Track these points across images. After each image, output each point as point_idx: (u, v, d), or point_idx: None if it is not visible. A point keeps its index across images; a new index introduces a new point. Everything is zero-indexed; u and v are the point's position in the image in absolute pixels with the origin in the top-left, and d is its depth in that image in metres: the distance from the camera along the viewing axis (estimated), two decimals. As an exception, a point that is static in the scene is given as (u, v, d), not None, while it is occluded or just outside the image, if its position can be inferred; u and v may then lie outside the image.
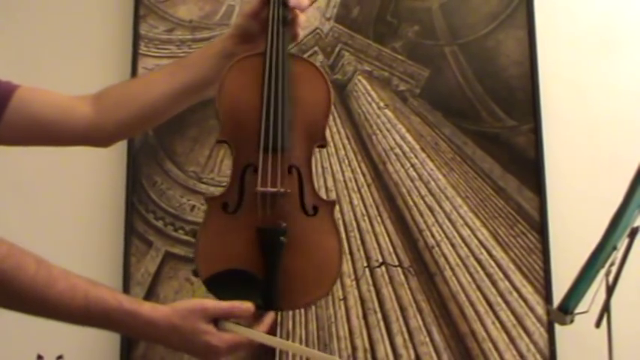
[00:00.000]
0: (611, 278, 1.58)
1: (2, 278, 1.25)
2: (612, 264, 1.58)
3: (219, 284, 1.38)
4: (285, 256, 1.37)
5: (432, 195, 2.47)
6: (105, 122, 1.61)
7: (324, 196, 2.22)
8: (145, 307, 1.32)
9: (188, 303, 1.34)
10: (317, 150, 1.50)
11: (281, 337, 2.45)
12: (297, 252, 1.38)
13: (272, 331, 1.37)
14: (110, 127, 1.61)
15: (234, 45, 1.62)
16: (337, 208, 2.49)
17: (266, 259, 1.37)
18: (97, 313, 1.30)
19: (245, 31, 1.62)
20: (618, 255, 1.58)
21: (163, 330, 1.30)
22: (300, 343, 2.45)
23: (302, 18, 1.62)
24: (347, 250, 2.47)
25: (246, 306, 1.33)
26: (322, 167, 2.52)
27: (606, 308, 1.57)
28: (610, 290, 1.57)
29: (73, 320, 1.32)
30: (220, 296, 1.37)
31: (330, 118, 1.54)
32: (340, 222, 2.48)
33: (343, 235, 2.47)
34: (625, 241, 1.58)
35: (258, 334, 1.33)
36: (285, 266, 1.37)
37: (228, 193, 1.43)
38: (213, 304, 1.33)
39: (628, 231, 1.58)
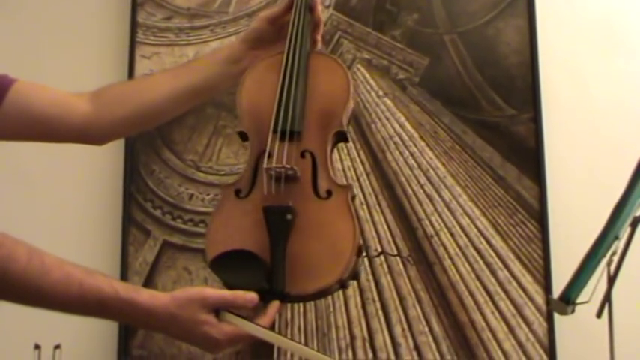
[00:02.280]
0: (612, 268, 1.57)
1: None
2: (614, 253, 1.57)
3: (224, 266, 1.35)
4: (294, 239, 1.34)
5: (431, 184, 2.47)
6: (101, 120, 1.58)
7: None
8: (143, 295, 1.29)
9: (188, 291, 1.31)
10: (335, 139, 1.49)
11: (279, 326, 2.45)
12: (307, 235, 1.35)
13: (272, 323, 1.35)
14: (106, 125, 1.59)
15: (244, 50, 1.62)
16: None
17: (271, 239, 1.34)
18: (92, 302, 1.27)
19: (260, 36, 1.63)
20: (620, 245, 1.57)
21: (162, 319, 1.28)
22: (299, 332, 2.44)
23: (322, 27, 1.63)
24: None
25: (250, 296, 1.30)
26: (321, 156, 2.51)
27: (607, 298, 1.57)
28: (611, 280, 1.57)
29: (69, 310, 1.29)
30: (224, 278, 1.35)
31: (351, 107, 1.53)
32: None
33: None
34: (627, 231, 1.57)
35: (259, 329, 1.29)
36: (294, 249, 1.34)
37: (242, 180, 1.42)
38: (213, 293, 1.30)
39: (630, 220, 1.57)
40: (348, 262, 1.35)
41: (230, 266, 1.34)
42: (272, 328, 1.33)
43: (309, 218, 1.36)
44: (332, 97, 1.47)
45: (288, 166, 1.37)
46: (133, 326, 1.27)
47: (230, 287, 1.33)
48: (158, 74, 1.69)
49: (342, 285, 1.39)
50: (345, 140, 1.55)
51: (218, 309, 1.28)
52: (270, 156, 1.38)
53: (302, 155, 1.40)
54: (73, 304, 1.28)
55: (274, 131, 1.40)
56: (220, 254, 1.34)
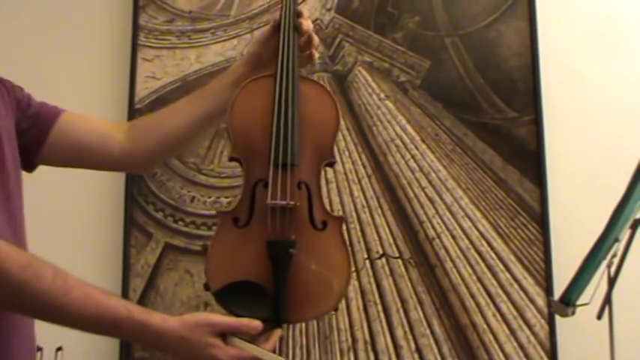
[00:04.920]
0: (613, 270, 1.58)
1: (22, 287, 1.31)
2: (614, 256, 1.57)
3: (229, 297, 1.40)
4: (294, 270, 1.39)
5: (433, 186, 2.47)
6: (135, 150, 1.68)
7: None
8: (155, 317, 1.36)
9: (197, 316, 1.38)
10: (325, 168, 1.53)
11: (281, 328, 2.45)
12: (305, 265, 1.40)
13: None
14: (140, 155, 1.69)
15: (247, 73, 1.66)
16: (337, 200, 2.49)
17: (275, 272, 1.39)
18: (107, 321, 1.34)
19: (258, 58, 1.69)
20: (620, 247, 1.58)
21: (172, 341, 1.34)
22: (300, 335, 2.45)
23: (316, 40, 1.67)
24: (347, 242, 2.47)
25: (255, 324, 1.36)
26: (322, 159, 2.51)
27: (608, 300, 1.57)
28: (612, 282, 1.57)
29: (85, 327, 1.37)
30: (230, 309, 1.39)
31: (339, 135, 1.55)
32: (341, 213, 2.48)
33: (344, 228, 2.47)
34: (627, 233, 1.58)
35: (264, 353, 1.35)
36: (295, 280, 1.39)
37: (239, 208, 1.45)
38: (221, 319, 1.37)
39: (630, 223, 1.57)
40: (344, 291, 1.43)
41: (235, 296, 1.39)
42: (273, 351, 1.39)
43: (307, 249, 1.41)
44: (324, 128, 1.50)
45: (292, 203, 1.40)
46: (144, 347, 1.35)
47: (235, 315, 1.39)
48: (178, 102, 1.76)
49: (335, 309, 1.46)
50: (332, 166, 1.60)
51: (224, 334, 1.34)
52: (269, 187, 1.41)
53: (298, 186, 1.43)
54: (89, 322, 1.35)
55: (275, 165, 1.43)
56: (225, 286, 1.39)
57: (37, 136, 1.62)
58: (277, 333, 1.41)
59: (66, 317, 1.35)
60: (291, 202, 1.41)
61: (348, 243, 1.47)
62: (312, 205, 1.44)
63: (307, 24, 1.65)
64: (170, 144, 1.74)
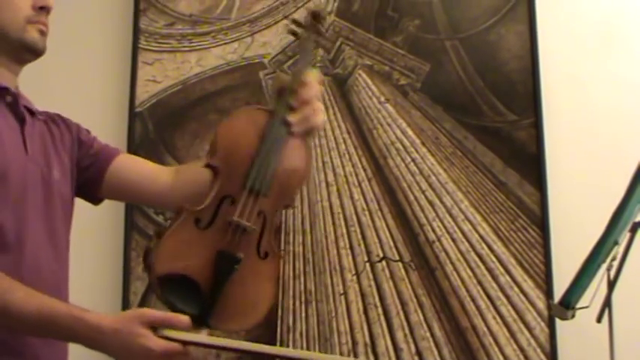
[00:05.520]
0: (612, 273, 1.58)
1: None
2: (614, 259, 1.58)
3: (168, 286, 1.47)
4: (230, 283, 1.49)
5: (433, 189, 2.47)
6: (177, 194, 1.73)
7: (330, 191, 2.24)
8: (92, 313, 1.40)
9: (129, 311, 1.49)
10: (283, 209, 1.68)
11: (281, 332, 2.45)
12: (239, 284, 1.50)
13: None
14: (180, 198, 1.70)
15: None
16: (338, 203, 2.49)
17: (215, 279, 1.49)
18: (46, 317, 1.38)
19: None
20: (620, 250, 1.58)
21: (106, 334, 1.37)
22: (301, 337, 2.45)
23: (317, 106, 1.65)
24: (348, 245, 2.47)
25: (184, 319, 1.40)
26: (322, 162, 2.52)
27: (608, 303, 1.57)
28: (611, 285, 1.57)
29: (27, 326, 1.41)
30: (166, 297, 1.47)
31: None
32: (341, 216, 2.48)
33: (344, 231, 2.48)
34: (626, 236, 1.58)
35: (194, 336, 1.42)
36: (226, 291, 1.49)
37: (204, 212, 1.53)
38: (151, 311, 1.42)
39: (629, 226, 1.58)
40: (262, 319, 1.55)
41: (173, 288, 1.47)
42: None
43: (246, 271, 1.52)
44: (296, 176, 1.63)
45: (249, 224, 1.52)
46: (81, 345, 1.40)
47: (168, 306, 1.48)
48: None
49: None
50: (287, 209, 1.81)
51: (154, 326, 1.39)
52: (238, 207, 1.52)
53: (258, 214, 1.54)
54: (30, 319, 1.38)
55: (246, 188, 1.54)
56: (169, 274, 1.47)
57: (95, 174, 1.73)
58: (202, 334, 1.48)
59: (8, 316, 1.38)
60: (252, 226, 1.52)
61: (279, 279, 1.57)
62: (263, 235, 1.55)
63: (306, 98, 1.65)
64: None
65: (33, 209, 1.53)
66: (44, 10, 1.57)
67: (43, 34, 1.57)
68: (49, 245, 1.56)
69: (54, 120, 1.69)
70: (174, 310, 1.45)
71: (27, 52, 1.57)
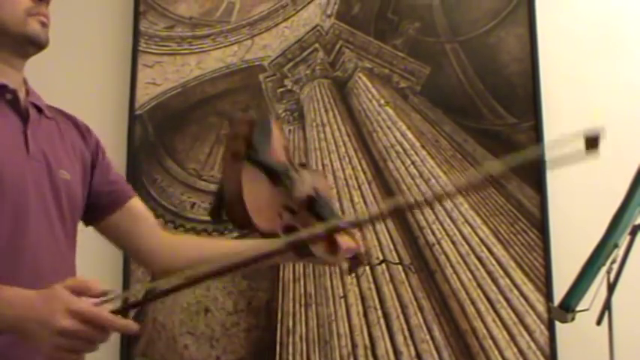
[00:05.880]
0: (612, 276, 1.58)
1: None
2: (614, 262, 1.58)
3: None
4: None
5: (433, 192, 2.47)
6: (165, 262, 1.72)
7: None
8: (9, 289, 1.32)
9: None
10: None
11: (281, 334, 2.45)
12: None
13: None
14: (167, 267, 1.72)
15: None
16: (338, 205, 2.50)
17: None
18: None
19: None
20: (619, 253, 1.58)
21: (23, 303, 1.29)
22: (300, 340, 2.45)
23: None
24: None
25: (94, 283, 1.32)
26: (322, 164, 2.52)
27: (607, 306, 1.57)
28: (611, 288, 1.57)
29: None
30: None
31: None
32: (341, 219, 2.49)
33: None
34: (626, 239, 1.58)
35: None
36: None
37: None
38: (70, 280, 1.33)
39: (629, 229, 1.58)
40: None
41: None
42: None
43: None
44: None
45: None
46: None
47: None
48: (222, 242, 1.91)
49: None
50: None
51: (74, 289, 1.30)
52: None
53: None
54: None
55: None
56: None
57: (107, 206, 1.69)
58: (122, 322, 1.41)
59: None
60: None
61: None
62: None
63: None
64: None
65: (36, 210, 1.49)
66: (43, 1, 1.53)
67: (44, 25, 1.54)
68: (53, 247, 1.52)
69: (70, 121, 1.67)
70: None
71: (30, 46, 1.53)
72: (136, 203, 1.75)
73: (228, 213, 1.53)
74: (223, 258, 1.67)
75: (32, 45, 1.53)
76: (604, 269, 1.59)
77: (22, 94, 1.55)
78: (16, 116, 1.51)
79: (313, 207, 1.57)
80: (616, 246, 1.57)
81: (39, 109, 1.58)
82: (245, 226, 1.51)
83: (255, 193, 1.51)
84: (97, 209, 1.69)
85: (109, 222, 1.70)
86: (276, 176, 1.55)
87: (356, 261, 1.65)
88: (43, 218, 1.50)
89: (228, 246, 1.80)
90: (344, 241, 1.57)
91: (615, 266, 1.57)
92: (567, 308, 1.58)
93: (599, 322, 1.59)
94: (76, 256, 1.64)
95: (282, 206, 1.54)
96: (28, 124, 1.52)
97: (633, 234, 1.57)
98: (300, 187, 1.57)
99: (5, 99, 1.51)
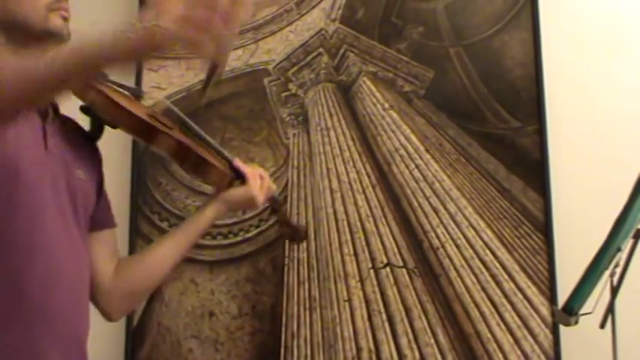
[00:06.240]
0: (615, 279, 1.58)
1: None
2: (617, 265, 1.58)
3: None
4: None
5: (437, 196, 2.47)
6: (114, 298, 1.69)
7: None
8: None
9: None
10: None
11: (285, 339, 2.46)
12: None
13: None
14: (117, 301, 1.70)
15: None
16: (342, 209, 2.50)
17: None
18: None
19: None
20: (623, 256, 1.58)
21: None
22: (305, 344, 2.45)
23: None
24: (352, 252, 2.48)
25: None
26: (327, 168, 2.53)
27: (611, 309, 1.58)
28: (614, 291, 1.58)
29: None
30: None
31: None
32: (345, 223, 2.49)
33: (348, 237, 2.48)
34: (629, 243, 1.58)
35: None
36: None
37: None
38: None
39: (632, 232, 1.58)
40: None
41: None
42: None
43: None
44: None
45: None
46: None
47: None
48: (162, 247, 1.79)
49: None
50: None
51: None
52: None
53: None
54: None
55: None
56: None
57: (92, 224, 1.65)
58: None
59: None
60: None
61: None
62: None
63: None
64: (151, 289, 1.82)
65: (52, 205, 1.47)
66: None
67: (65, 19, 1.54)
68: (67, 243, 1.50)
69: (76, 128, 1.66)
70: None
71: (52, 41, 1.52)
72: (107, 237, 1.71)
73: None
74: (171, 267, 1.76)
75: (54, 40, 1.52)
76: (607, 273, 1.59)
77: None
78: (35, 112, 1.49)
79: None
80: (619, 249, 1.57)
81: (55, 109, 1.58)
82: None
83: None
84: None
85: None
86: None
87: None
88: (58, 214, 1.49)
89: (172, 252, 1.77)
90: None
91: (618, 270, 1.58)
92: (570, 311, 1.58)
93: (602, 326, 1.59)
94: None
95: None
96: (46, 120, 1.51)
97: (636, 237, 1.58)
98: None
99: None
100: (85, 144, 1.65)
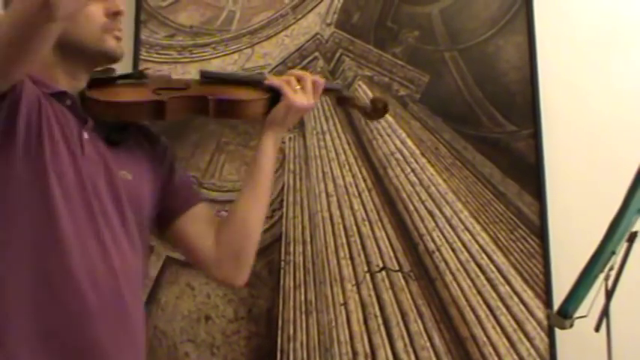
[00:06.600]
0: (610, 283, 1.59)
1: None
2: (611, 268, 1.58)
3: None
4: None
5: (433, 200, 2.48)
6: (220, 252, 1.72)
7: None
8: None
9: None
10: None
11: (281, 342, 2.46)
12: None
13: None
14: (228, 269, 1.73)
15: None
16: (338, 213, 2.50)
17: None
18: None
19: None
20: (617, 259, 1.59)
21: None
22: (301, 348, 2.45)
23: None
24: (347, 255, 2.48)
25: None
26: (323, 172, 2.53)
27: (605, 312, 1.58)
28: (609, 294, 1.58)
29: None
30: None
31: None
32: (341, 227, 2.49)
33: (344, 241, 2.49)
34: (624, 246, 1.59)
35: None
36: None
37: None
38: None
39: (627, 236, 1.58)
40: None
41: None
42: None
43: None
44: None
45: None
46: None
47: None
48: (240, 199, 1.77)
49: None
50: None
51: None
52: None
53: None
54: None
55: None
56: None
57: (169, 212, 1.71)
58: None
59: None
60: None
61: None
62: None
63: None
64: (241, 230, 1.75)
65: (96, 210, 1.51)
66: (118, 15, 1.58)
67: (119, 39, 1.59)
68: (112, 245, 1.52)
69: (133, 131, 1.68)
70: None
71: (105, 61, 1.59)
72: (199, 213, 1.74)
73: None
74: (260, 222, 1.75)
75: (108, 60, 1.59)
76: (602, 276, 1.59)
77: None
78: (75, 120, 1.54)
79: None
80: (613, 253, 1.57)
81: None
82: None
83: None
84: (163, 215, 1.70)
85: (170, 233, 1.72)
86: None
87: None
88: (100, 218, 1.51)
89: (255, 206, 1.76)
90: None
91: (613, 273, 1.58)
92: (565, 315, 1.59)
93: (597, 329, 1.59)
94: (143, 257, 1.64)
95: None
96: (85, 127, 1.55)
97: (631, 241, 1.58)
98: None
99: (65, 104, 1.54)
100: (140, 145, 1.68)
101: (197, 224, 1.72)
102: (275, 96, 1.71)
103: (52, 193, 1.45)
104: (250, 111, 1.71)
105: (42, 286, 1.43)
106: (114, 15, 1.57)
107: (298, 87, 1.70)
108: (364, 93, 2.56)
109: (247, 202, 1.73)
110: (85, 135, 1.54)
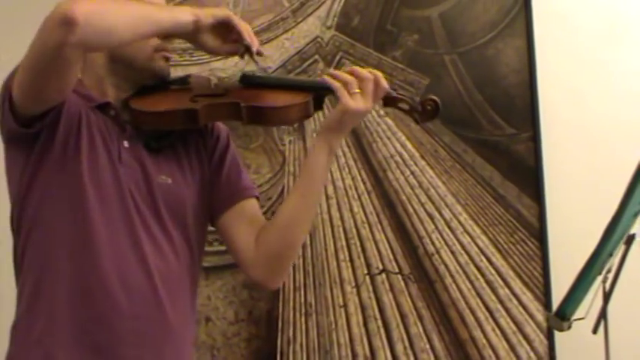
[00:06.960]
0: (607, 285, 1.59)
1: None
2: (609, 271, 1.59)
3: None
4: None
5: (432, 202, 2.48)
6: (257, 253, 1.69)
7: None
8: None
9: None
10: None
11: (281, 343, 2.47)
12: None
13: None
14: (263, 271, 1.70)
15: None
16: (337, 215, 2.51)
17: None
18: None
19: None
20: (615, 262, 1.59)
21: None
22: (301, 349, 2.46)
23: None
24: (347, 258, 2.49)
25: None
26: (323, 175, 2.53)
27: (603, 314, 1.58)
28: (607, 296, 1.59)
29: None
30: None
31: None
32: (341, 229, 2.50)
33: (344, 243, 2.49)
34: (621, 248, 1.59)
35: None
36: None
37: None
38: None
39: (624, 238, 1.59)
40: None
41: None
42: None
43: None
44: None
45: None
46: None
47: None
48: (288, 203, 1.72)
49: None
50: None
51: None
52: None
53: None
54: None
55: None
56: None
57: (218, 204, 1.70)
58: None
59: None
60: None
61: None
62: None
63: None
64: (284, 236, 1.69)
65: (123, 214, 1.54)
66: (169, 38, 1.63)
67: (168, 60, 1.65)
68: (139, 248, 1.54)
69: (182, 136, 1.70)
70: None
71: (151, 79, 1.63)
72: (247, 209, 1.71)
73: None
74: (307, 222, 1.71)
75: (153, 78, 1.63)
76: (599, 278, 1.60)
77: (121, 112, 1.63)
78: (116, 128, 1.59)
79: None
80: (611, 255, 1.58)
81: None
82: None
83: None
84: (211, 208, 1.70)
85: (218, 223, 1.71)
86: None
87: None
88: (137, 221, 1.55)
89: (302, 207, 1.69)
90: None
91: (611, 275, 1.58)
92: (563, 317, 1.59)
93: (595, 331, 1.60)
94: (190, 262, 1.66)
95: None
96: (124, 135, 1.59)
97: (628, 243, 1.58)
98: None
99: (109, 115, 1.59)
100: (185, 145, 1.68)
101: (239, 221, 1.69)
102: (319, 96, 1.65)
103: (87, 201, 1.51)
104: (285, 117, 1.67)
105: (76, 288, 1.49)
106: (166, 37, 1.61)
107: (357, 91, 1.58)
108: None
109: (294, 208, 1.67)
110: (125, 143, 1.59)
